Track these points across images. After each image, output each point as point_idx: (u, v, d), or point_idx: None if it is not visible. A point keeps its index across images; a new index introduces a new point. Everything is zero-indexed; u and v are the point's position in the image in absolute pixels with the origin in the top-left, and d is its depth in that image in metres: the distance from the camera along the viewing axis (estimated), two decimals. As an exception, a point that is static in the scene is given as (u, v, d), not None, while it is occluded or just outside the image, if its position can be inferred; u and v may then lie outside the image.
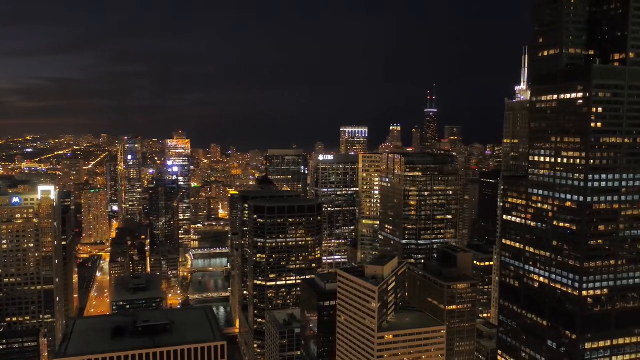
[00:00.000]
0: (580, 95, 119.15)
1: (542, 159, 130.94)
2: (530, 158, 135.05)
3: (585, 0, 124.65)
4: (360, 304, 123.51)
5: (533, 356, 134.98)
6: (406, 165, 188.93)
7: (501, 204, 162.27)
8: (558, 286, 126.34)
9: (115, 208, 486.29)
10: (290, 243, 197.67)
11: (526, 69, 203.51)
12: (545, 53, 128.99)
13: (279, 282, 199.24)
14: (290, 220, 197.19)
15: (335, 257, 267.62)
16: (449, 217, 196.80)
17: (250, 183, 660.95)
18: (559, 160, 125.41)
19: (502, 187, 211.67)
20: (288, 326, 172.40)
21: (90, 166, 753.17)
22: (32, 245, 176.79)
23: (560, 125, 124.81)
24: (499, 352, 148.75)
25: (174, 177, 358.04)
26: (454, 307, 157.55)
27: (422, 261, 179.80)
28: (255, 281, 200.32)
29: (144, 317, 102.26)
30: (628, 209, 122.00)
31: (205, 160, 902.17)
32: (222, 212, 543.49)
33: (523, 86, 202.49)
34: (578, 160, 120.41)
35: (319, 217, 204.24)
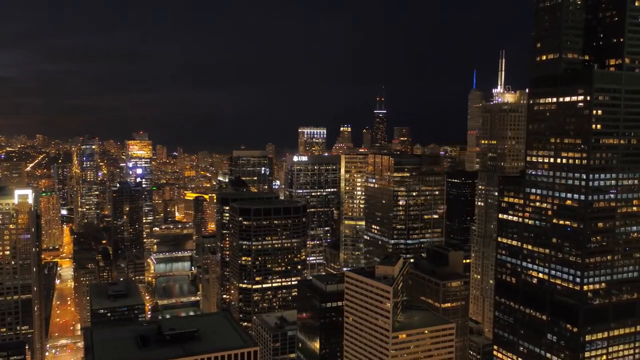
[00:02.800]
0: (581, 98, 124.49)
1: (540, 159, 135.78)
2: (528, 158, 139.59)
3: (582, 8, 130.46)
4: (373, 304, 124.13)
5: (532, 350, 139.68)
6: (395, 166, 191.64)
7: (496, 203, 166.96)
8: (558, 281, 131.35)
9: (64, 212, 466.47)
10: (276, 245, 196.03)
11: (503, 72, 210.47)
12: (544, 57, 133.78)
13: (264, 285, 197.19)
14: (276, 222, 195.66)
15: (310, 259, 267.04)
16: (435, 216, 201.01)
17: (206, 185, 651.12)
18: (559, 160, 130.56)
19: (480, 187, 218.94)
20: (280, 329, 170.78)
21: (28, 168, 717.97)
22: (8, 252, 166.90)
23: (561, 127, 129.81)
24: (495, 347, 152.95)
25: (138, 179, 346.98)
26: (449, 304, 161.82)
27: (411, 260, 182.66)
28: (241, 284, 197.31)
29: (168, 325, 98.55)
30: (623, 207, 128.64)
31: (152, 162, 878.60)
32: (178, 215, 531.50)
33: (501, 89, 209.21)
34: (578, 161, 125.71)
35: (304, 219, 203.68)
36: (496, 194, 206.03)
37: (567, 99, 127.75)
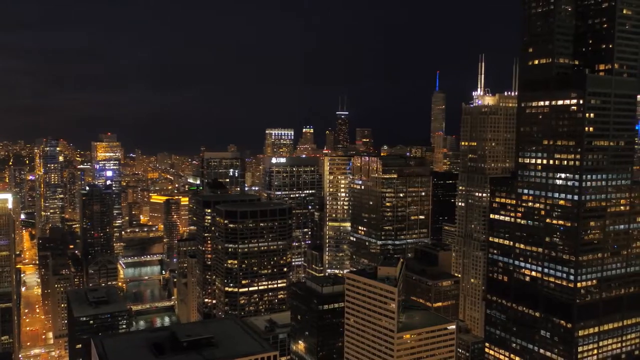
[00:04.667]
0: (574, 101, 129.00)
1: (533, 160, 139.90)
2: (520, 160, 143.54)
3: (572, 14, 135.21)
4: (376, 305, 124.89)
5: (524, 346, 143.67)
6: (383, 167, 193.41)
7: (486, 203, 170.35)
8: (551, 279, 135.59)
9: (22, 216, 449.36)
10: (263, 248, 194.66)
11: (483, 75, 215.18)
12: (536, 62, 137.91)
13: (251, 288, 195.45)
14: (263, 224, 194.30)
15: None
16: (421, 217, 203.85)
17: (170, 187, 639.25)
18: (552, 162, 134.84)
19: (461, 187, 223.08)
20: (271, 332, 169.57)
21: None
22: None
23: (553, 129, 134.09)
24: (487, 344, 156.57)
25: (108, 182, 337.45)
26: (440, 303, 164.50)
27: (401, 260, 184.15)
28: (227, 288, 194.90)
29: (180, 331, 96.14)
30: (612, 206, 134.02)
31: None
32: (143, 218, 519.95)
33: (480, 92, 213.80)
34: (572, 162, 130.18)
35: (290, 221, 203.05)
36: (477, 194, 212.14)
37: (560, 102, 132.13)
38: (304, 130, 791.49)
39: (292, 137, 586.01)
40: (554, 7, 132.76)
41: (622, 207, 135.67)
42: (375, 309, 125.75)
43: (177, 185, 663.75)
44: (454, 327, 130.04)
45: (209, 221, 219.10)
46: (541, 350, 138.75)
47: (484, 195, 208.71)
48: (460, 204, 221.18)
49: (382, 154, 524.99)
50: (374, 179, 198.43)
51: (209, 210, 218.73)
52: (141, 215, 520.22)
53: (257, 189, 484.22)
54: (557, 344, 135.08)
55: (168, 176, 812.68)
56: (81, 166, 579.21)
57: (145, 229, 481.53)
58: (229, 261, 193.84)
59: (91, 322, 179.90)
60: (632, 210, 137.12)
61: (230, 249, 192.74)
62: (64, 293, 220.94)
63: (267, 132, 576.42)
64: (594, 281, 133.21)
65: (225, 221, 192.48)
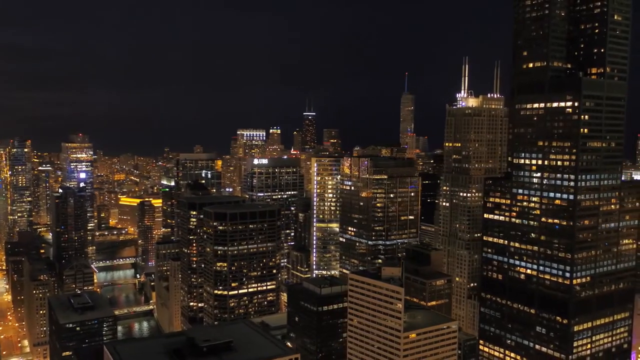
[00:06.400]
0: (569, 104, 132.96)
1: (527, 161, 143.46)
2: (515, 161, 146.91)
3: (564, 19, 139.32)
4: (382, 306, 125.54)
5: (520, 342, 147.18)
6: (373, 168, 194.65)
7: (481, 204, 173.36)
8: (547, 276, 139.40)
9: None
10: (252, 250, 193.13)
11: (466, 77, 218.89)
12: (531, 65, 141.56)
13: (240, 291, 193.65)
14: (252, 226, 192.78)
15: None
16: (411, 217, 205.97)
17: (137, 189, 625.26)
18: (547, 162, 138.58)
19: (444, 187, 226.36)
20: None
21: None
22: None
23: (548, 131, 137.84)
24: (481, 341, 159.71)
25: (82, 184, 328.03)
26: (434, 302, 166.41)
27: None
28: (216, 291, 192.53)
29: (200, 336, 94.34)
30: (604, 205, 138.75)
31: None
32: (112, 221, 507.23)
33: (464, 93, 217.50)
34: (567, 162, 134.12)
35: (279, 222, 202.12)
36: (462, 194, 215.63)
37: (556, 104, 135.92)
38: (271, 131, 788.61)
39: (265, 138, 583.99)
40: (549, 12, 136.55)
41: (612, 206, 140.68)
42: (380, 309, 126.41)
43: (143, 187, 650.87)
44: (456, 325, 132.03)
45: (194, 223, 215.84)
46: (537, 346, 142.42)
47: (469, 195, 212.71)
48: (444, 203, 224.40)
49: (354, 155, 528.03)
50: (365, 179, 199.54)
51: (194, 212, 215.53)
52: (110, 218, 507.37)
53: (230, 190, 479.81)
54: (552, 340, 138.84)
55: (132, 177, 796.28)
56: (41, 168, 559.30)
57: (115, 232, 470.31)
58: (219, 264, 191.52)
59: (77, 328, 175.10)
60: (622, 209, 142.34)
61: (219, 252, 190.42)
62: (44, 299, 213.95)
63: (238, 132, 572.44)
64: (588, 278, 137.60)
65: (215, 223, 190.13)
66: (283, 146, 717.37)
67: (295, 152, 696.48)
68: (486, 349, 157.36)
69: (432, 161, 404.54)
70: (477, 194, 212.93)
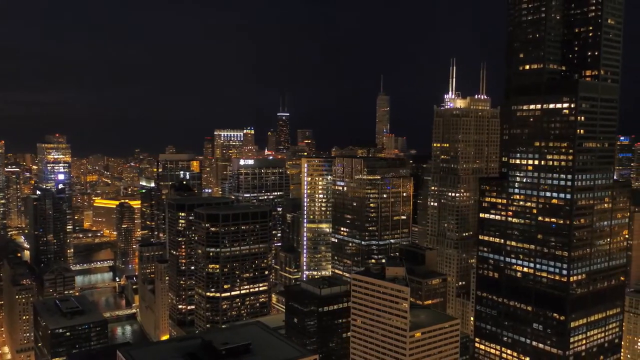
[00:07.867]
0: (566, 105, 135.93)
1: (524, 161, 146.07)
2: (512, 161, 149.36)
3: (560, 23, 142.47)
4: (387, 305, 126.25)
5: (516, 340, 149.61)
6: (368, 169, 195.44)
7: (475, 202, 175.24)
8: (544, 274, 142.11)
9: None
10: (244, 251, 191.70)
11: (454, 79, 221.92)
12: (527, 67, 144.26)
13: (233, 293, 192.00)
14: (244, 227, 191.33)
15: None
16: (403, 217, 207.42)
17: (108, 190, 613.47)
18: (543, 162, 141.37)
19: (433, 187, 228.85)
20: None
21: None
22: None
23: (545, 132, 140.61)
24: (477, 339, 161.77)
25: (61, 186, 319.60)
26: (430, 301, 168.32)
27: (383, 260, 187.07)
28: (208, 293, 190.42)
29: (217, 339, 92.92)
30: (599, 204, 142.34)
31: (35, 167, 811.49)
32: (86, 223, 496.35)
33: (452, 95, 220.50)
34: (564, 162, 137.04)
35: (270, 223, 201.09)
36: (450, 194, 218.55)
37: (552, 105, 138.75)
38: (244, 131, 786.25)
39: (242, 139, 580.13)
40: (545, 15, 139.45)
41: (605, 205, 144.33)
42: (385, 308, 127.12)
43: (116, 189, 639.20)
44: (458, 324, 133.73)
45: (183, 225, 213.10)
46: (533, 343, 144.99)
47: (457, 195, 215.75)
48: (432, 203, 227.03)
49: (332, 155, 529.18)
50: (358, 180, 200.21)
51: (183, 214, 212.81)
52: (84, 220, 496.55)
53: (210, 191, 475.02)
54: (550, 336, 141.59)
55: (104, 179, 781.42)
56: (8, 169, 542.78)
57: (90, 235, 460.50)
58: (211, 265, 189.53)
59: (68, 334, 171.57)
60: (614, 208, 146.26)
61: (212, 253, 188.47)
62: (27, 304, 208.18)
63: (215, 133, 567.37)
64: (583, 275, 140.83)
65: (207, 224, 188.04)
66: (257, 146, 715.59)
67: (269, 153, 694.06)
68: (482, 347, 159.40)
69: (411, 161, 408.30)
70: (465, 194, 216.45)
